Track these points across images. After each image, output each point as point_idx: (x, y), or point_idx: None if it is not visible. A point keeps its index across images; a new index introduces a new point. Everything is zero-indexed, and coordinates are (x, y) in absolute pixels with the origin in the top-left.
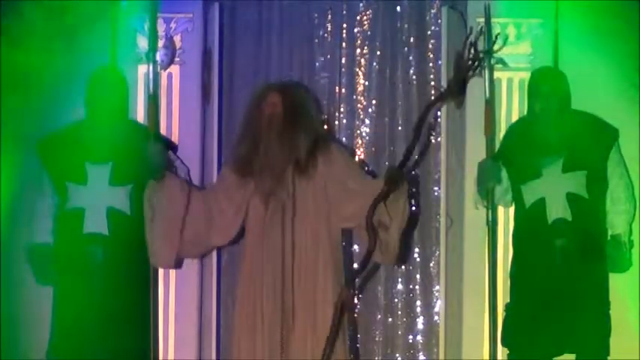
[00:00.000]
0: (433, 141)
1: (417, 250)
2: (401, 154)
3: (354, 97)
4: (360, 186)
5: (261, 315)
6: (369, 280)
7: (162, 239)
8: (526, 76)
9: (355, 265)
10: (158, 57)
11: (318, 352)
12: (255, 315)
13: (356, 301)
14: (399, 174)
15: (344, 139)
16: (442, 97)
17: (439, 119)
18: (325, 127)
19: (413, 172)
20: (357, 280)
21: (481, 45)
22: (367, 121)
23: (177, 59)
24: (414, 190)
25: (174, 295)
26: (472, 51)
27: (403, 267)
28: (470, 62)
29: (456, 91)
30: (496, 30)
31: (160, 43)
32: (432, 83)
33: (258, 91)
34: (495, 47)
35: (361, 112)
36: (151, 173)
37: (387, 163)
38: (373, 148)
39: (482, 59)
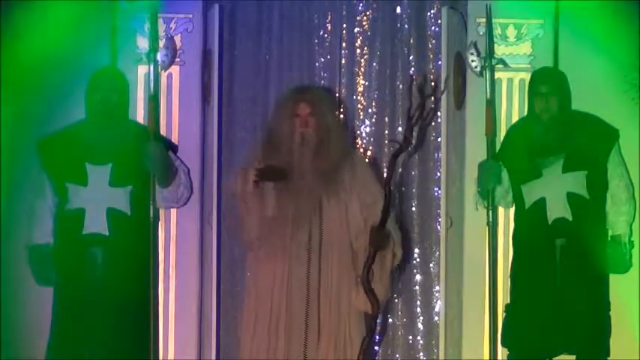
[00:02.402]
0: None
1: (417, 250)
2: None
3: (354, 97)
4: (369, 214)
5: (283, 329)
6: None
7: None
8: (526, 76)
9: None
10: (159, 57)
11: None
12: (277, 329)
13: None
14: (381, 237)
15: None
16: (402, 148)
17: (439, 119)
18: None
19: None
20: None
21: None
22: (367, 121)
23: (177, 59)
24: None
25: (174, 295)
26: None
27: (404, 267)
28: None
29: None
30: (497, 31)
31: (161, 43)
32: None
33: (286, 100)
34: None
35: (361, 112)
36: (153, 174)
37: (385, 163)
38: (373, 148)
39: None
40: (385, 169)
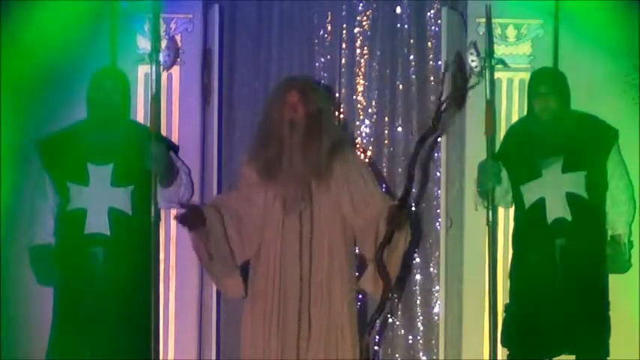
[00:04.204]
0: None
1: (416, 250)
2: (400, 154)
3: (354, 97)
4: (365, 207)
5: (277, 322)
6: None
7: (226, 273)
8: (526, 76)
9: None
10: (161, 57)
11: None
12: (271, 322)
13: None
14: (401, 216)
15: None
16: (429, 133)
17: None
18: (340, 125)
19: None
20: (374, 325)
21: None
22: (367, 121)
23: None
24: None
25: (174, 295)
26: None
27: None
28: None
29: (439, 126)
30: (497, 31)
31: (162, 43)
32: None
33: (277, 89)
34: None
35: (361, 112)
36: (154, 175)
37: (384, 165)
38: (373, 148)
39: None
40: (383, 171)
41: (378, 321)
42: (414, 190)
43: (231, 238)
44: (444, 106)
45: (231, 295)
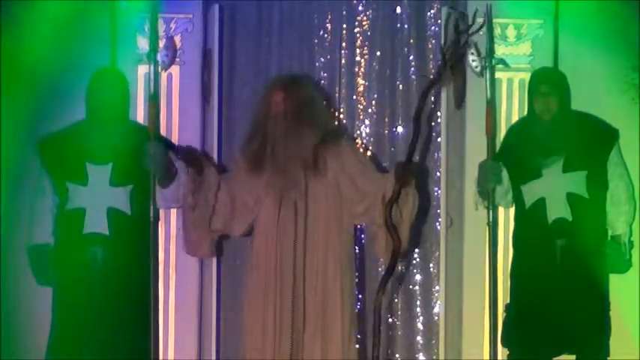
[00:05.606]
0: (433, 141)
1: (416, 250)
2: (401, 155)
3: (354, 97)
4: (371, 184)
5: (273, 315)
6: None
7: (200, 228)
8: (526, 76)
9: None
10: (159, 57)
11: (328, 351)
12: (267, 315)
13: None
14: (408, 170)
15: None
16: (433, 82)
17: (439, 119)
18: (335, 121)
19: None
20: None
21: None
22: (367, 122)
23: (177, 59)
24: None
25: (174, 295)
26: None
27: (403, 267)
28: (452, 45)
29: (446, 75)
30: (497, 31)
31: (161, 43)
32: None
33: (267, 86)
34: (474, 29)
35: (361, 113)
36: (153, 174)
37: (385, 163)
38: (373, 148)
39: (466, 41)
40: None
41: (389, 282)
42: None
43: (219, 206)
44: (450, 54)
45: (194, 254)
